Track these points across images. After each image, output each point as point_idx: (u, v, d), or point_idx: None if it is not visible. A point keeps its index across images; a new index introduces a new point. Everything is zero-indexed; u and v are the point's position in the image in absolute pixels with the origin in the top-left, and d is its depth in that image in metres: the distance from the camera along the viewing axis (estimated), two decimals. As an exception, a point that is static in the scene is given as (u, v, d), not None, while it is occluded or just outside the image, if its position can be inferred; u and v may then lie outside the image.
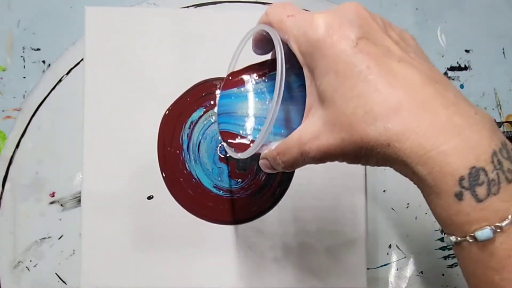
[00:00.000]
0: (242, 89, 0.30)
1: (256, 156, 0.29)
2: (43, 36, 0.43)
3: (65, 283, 0.41)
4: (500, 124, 0.43)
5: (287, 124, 0.27)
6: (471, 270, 0.23)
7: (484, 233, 0.21)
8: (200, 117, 0.42)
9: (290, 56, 0.26)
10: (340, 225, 0.41)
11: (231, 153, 0.30)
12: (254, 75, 0.30)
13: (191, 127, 0.42)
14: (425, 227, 0.43)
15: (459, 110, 0.22)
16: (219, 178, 0.42)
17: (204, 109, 0.42)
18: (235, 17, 0.43)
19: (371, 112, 0.22)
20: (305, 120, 0.25)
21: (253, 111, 0.29)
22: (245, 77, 0.30)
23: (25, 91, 0.43)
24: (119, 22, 0.42)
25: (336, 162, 0.26)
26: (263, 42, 0.29)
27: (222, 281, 0.41)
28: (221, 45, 0.42)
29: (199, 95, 0.42)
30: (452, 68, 0.45)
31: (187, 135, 0.42)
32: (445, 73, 0.45)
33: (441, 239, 0.43)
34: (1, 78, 0.43)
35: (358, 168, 0.41)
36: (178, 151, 0.42)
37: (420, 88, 0.22)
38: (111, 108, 0.41)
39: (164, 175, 0.41)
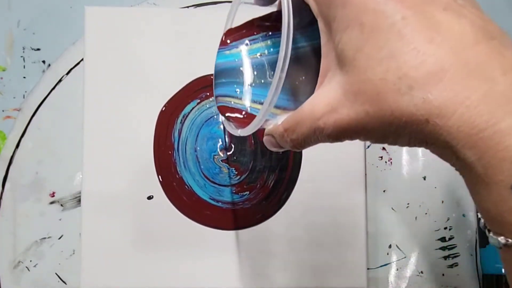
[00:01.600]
0: (242, 50, 0.25)
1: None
2: (43, 36, 0.43)
3: (65, 283, 0.41)
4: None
5: (296, 94, 0.22)
6: None
7: None
8: (193, 108, 0.41)
9: (300, 6, 0.20)
10: (340, 225, 0.41)
11: (230, 130, 0.25)
12: (256, 32, 0.25)
13: (183, 121, 0.41)
14: (425, 227, 0.43)
15: None
16: (217, 194, 0.41)
17: (198, 100, 0.42)
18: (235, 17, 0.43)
19: (406, 78, 0.17)
20: (319, 88, 0.20)
21: (255, 78, 0.24)
22: (246, 35, 0.25)
23: (25, 91, 0.43)
24: (119, 22, 0.42)
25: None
26: None
27: (222, 281, 0.41)
28: (221, 45, 0.42)
29: (195, 89, 0.42)
30: (452, 68, 0.45)
31: (178, 131, 0.41)
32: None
33: (441, 239, 0.43)
34: (1, 78, 0.43)
35: (358, 167, 0.41)
36: (170, 151, 0.41)
37: (472, 46, 0.17)
38: (111, 108, 0.41)
39: (160, 177, 0.41)
